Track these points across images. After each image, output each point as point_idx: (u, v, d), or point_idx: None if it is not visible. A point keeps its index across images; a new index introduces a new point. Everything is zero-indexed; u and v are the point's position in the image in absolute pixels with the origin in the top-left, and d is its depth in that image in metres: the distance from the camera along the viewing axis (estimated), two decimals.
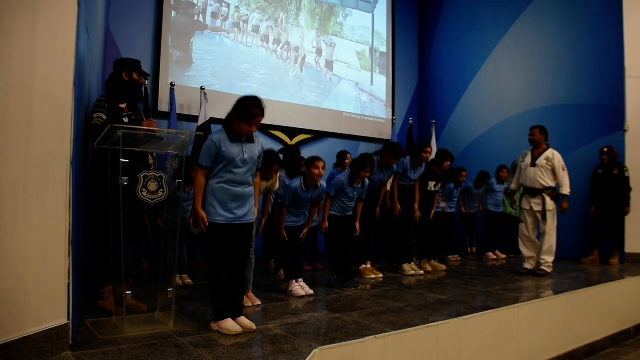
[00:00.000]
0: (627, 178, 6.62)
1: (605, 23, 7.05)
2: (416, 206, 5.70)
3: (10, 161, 2.19)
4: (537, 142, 5.62)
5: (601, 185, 6.77)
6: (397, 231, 5.64)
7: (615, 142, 6.81)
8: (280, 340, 2.78)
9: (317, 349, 2.58)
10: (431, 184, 5.86)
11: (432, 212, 6.06)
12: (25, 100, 2.26)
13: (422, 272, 5.64)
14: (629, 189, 6.60)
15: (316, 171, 4.23)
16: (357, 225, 5.00)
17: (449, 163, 5.93)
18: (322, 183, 4.39)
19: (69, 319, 2.46)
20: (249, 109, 2.98)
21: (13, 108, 2.20)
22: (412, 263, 5.67)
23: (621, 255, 6.62)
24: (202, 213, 2.98)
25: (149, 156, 3.47)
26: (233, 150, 3.00)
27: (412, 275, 5.47)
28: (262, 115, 3.03)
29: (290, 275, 4.32)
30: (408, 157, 5.58)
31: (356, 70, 8.82)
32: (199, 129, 6.29)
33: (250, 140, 3.11)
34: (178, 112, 6.49)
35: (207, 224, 2.97)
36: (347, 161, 6.07)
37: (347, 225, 4.85)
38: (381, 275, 5.32)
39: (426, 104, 9.83)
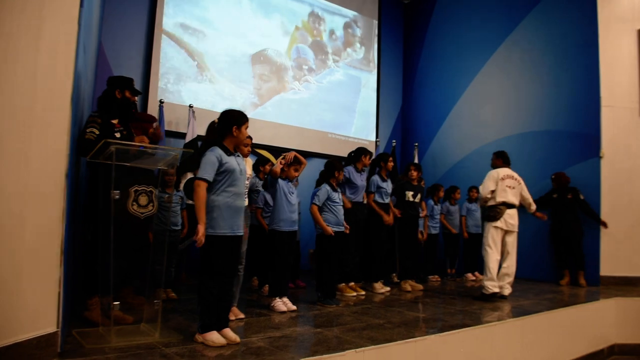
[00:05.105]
0: (583, 200, 6.89)
1: (582, 54, 7.34)
2: (391, 216, 5.80)
3: (9, 173, 2.28)
4: (493, 166, 5.78)
5: (557, 209, 7.06)
6: (371, 249, 5.75)
7: (591, 168, 7.05)
8: (264, 352, 2.85)
9: None
10: (409, 194, 6.01)
11: (425, 233, 6.49)
12: (25, 116, 2.35)
13: (388, 289, 5.73)
14: (588, 206, 6.85)
15: (296, 173, 4.53)
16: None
17: (417, 173, 6.15)
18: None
19: (58, 327, 2.52)
20: (239, 114, 3.23)
21: (14, 124, 2.30)
22: (381, 282, 5.78)
23: (586, 275, 6.79)
24: (203, 231, 2.95)
25: None
26: (232, 162, 3.14)
27: (382, 294, 5.56)
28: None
29: (275, 291, 4.39)
30: (376, 176, 5.75)
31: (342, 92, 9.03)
32: (186, 145, 6.38)
33: (237, 154, 3.27)
34: (166, 128, 6.58)
35: (202, 242, 2.96)
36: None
37: (342, 241, 4.95)
38: (363, 293, 5.41)
39: (409, 127, 10.08)
